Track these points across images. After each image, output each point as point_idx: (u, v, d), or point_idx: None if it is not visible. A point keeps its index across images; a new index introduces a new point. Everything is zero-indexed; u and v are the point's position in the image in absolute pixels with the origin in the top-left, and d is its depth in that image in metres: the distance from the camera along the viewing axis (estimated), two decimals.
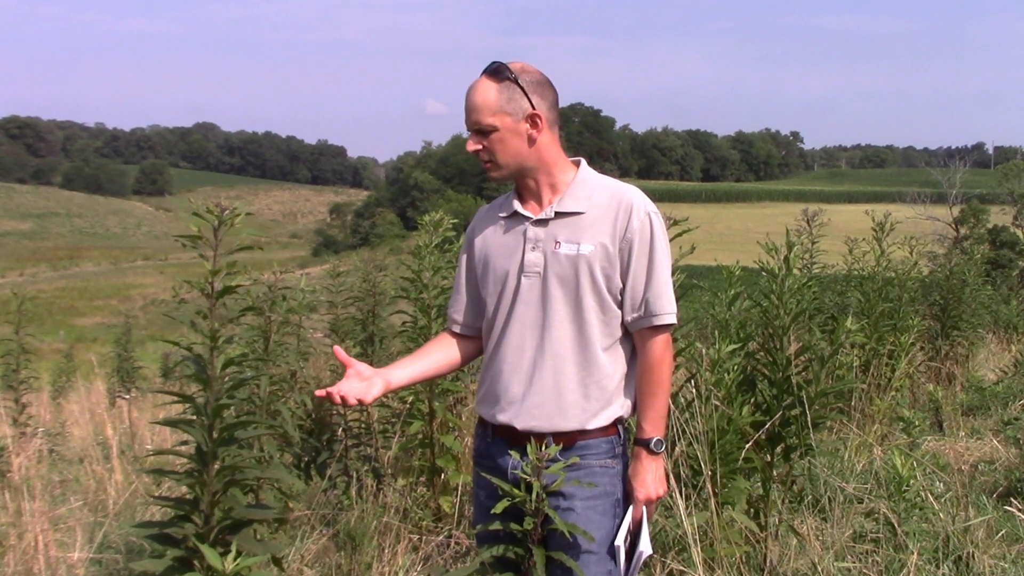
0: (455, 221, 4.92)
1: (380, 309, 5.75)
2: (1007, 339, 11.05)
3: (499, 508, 2.49)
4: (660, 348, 2.55)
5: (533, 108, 2.51)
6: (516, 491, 2.49)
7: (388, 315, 5.83)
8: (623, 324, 2.57)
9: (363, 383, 2.53)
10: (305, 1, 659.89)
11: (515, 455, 2.56)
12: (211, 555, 2.65)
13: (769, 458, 4.09)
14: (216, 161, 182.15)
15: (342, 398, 2.49)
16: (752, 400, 4.14)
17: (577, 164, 2.63)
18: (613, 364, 2.56)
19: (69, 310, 62.05)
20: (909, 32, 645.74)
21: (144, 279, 77.33)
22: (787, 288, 4.12)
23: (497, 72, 2.51)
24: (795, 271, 4.22)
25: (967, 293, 8.50)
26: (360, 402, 2.51)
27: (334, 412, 5.10)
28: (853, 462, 5.43)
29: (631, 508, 2.57)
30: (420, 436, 4.61)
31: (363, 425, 5.17)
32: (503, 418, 2.57)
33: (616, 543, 2.53)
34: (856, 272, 7.32)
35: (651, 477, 2.56)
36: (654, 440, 2.55)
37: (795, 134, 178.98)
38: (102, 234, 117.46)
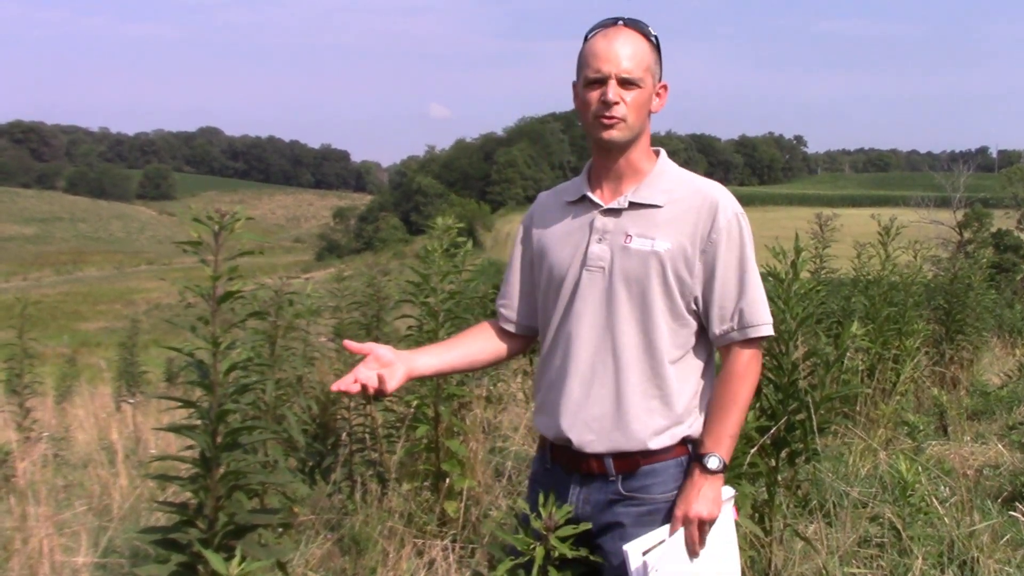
0: (460, 225, 4.92)
1: (384, 313, 5.75)
2: (1011, 343, 11.04)
3: (500, 570, 2.31)
4: (745, 361, 2.28)
5: (661, 79, 2.32)
6: (524, 547, 2.30)
7: (392, 319, 5.84)
8: (709, 337, 2.32)
9: (384, 369, 2.26)
10: (308, 5, 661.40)
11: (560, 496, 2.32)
12: (215, 560, 2.64)
13: (774, 463, 4.08)
14: (220, 166, 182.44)
15: (363, 387, 2.20)
16: (757, 405, 4.13)
17: (656, 154, 2.38)
18: (683, 379, 2.29)
19: (73, 315, 62.03)
20: (913, 36, 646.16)
21: (148, 284, 77.32)
22: (794, 293, 4.11)
23: (640, 26, 2.27)
24: (804, 274, 4.20)
25: (971, 297, 8.49)
26: (380, 392, 2.22)
27: (339, 416, 5.09)
28: (858, 467, 5.41)
29: (668, 525, 2.28)
30: (425, 440, 4.61)
31: (368, 429, 5.16)
32: (561, 427, 2.31)
33: (626, 547, 2.24)
34: (863, 277, 7.31)
35: (697, 495, 2.24)
36: (708, 456, 2.25)
37: (799, 138, 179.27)
38: (106, 239, 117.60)
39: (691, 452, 2.32)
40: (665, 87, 2.33)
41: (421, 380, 4.56)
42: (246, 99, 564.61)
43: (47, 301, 60.71)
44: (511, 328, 2.51)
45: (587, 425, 2.28)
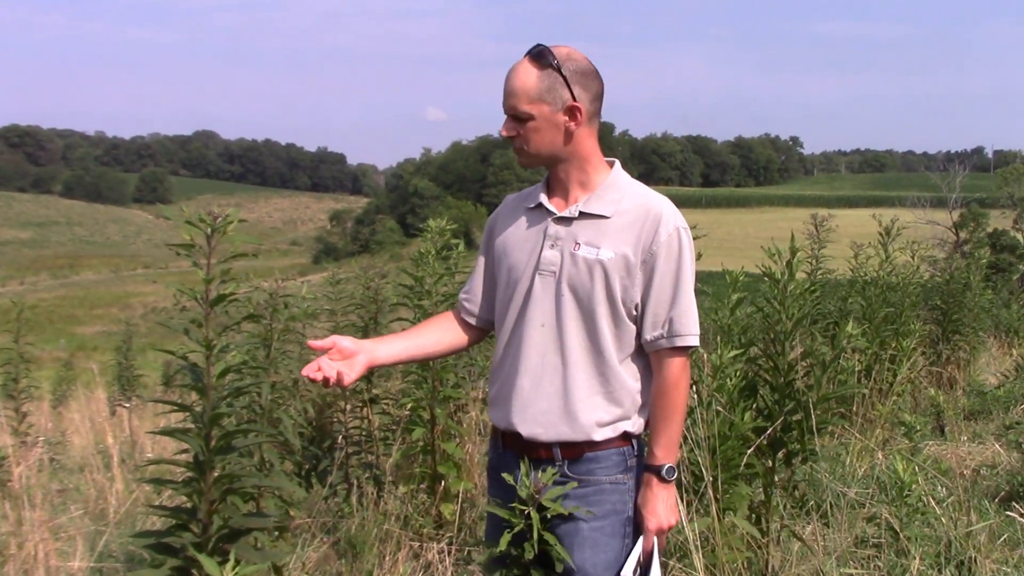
0: (454, 227, 4.92)
1: (381, 316, 5.74)
2: (1008, 343, 11.02)
3: (503, 544, 2.38)
4: (677, 370, 2.41)
5: (574, 99, 2.37)
6: (514, 518, 2.39)
7: (389, 322, 5.82)
8: (639, 342, 2.43)
9: (344, 361, 2.38)
10: (305, 8, 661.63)
11: (516, 478, 2.42)
12: (209, 564, 2.63)
13: (771, 463, 4.08)
14: (216, 169, 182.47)
15: (324, 379, 2.32)
16: (754, 405, 4.13)
17: (611, 165, 2.50)
18: (627, 378, 2.43)
19: (69, 318, 62.01)
20: (909, 36, 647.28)
21: (144, 287, 77.20)
22: (789, 293, 4.11)
23: (540, 57, 2.37)
24: (799, 275, 4.20)
25: (968, 297, 8.50)
26: (339, 384, 2.34)
27: (335, 419, 5.09)
28: (855, 467, 5.41)
29: (642, 538, 2.44)
30: (421, 443, 4.60)
31: (364, 432, 5.16)
32: (512, 420, 2.44)
33: (623, 573, 2.39)
34: (859, 277, 7.31)
35: (662, 506, 2.43)
36: (665, 467, 2.42)
37: (795, 139, 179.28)
38: (102, 242, 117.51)
39: (635, 446, 2.48)
40: (577, 107, 2.38)
41: (416, 381, 4.58)
42: (242, 102, 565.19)
43: (43, 305, 60.79)
44: (472, 320, 2.66)
45: (535, 419, 2.42)
